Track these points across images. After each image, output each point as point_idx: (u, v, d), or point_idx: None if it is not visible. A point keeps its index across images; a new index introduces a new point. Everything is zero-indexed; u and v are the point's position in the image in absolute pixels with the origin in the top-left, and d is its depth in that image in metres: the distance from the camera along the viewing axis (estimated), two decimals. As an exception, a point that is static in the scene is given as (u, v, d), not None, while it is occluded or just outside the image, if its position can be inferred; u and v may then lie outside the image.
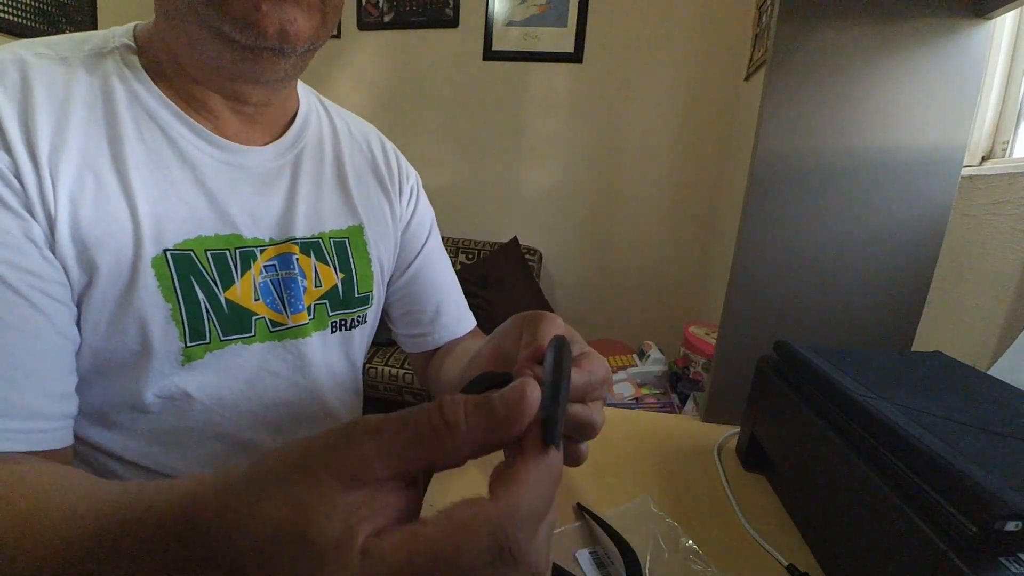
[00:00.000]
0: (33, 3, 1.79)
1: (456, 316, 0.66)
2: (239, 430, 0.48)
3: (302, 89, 0.55)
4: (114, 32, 0.45)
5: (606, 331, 2.30)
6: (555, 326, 0.33)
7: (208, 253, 0.44)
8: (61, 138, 0.38)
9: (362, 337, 0.58)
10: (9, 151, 0.36)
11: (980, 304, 0.67)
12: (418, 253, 0.63)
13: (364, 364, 1.80)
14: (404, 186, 0.62)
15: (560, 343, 0.27)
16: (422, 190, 0.65)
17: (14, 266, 0.35)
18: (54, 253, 0.38)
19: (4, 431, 0.34)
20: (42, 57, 0.40)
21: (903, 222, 0.64)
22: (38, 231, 0.37)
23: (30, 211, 0.37)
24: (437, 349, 0.66)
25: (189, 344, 0.44)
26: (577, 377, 0.31)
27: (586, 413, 0.32)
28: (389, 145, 0.63)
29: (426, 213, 0.65)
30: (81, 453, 0.44)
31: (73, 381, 0.40)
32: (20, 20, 1.76)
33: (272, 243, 0.49)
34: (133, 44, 0.44)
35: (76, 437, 0.43)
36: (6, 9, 1.72)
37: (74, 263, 0.39)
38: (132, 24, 0.46)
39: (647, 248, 2.27)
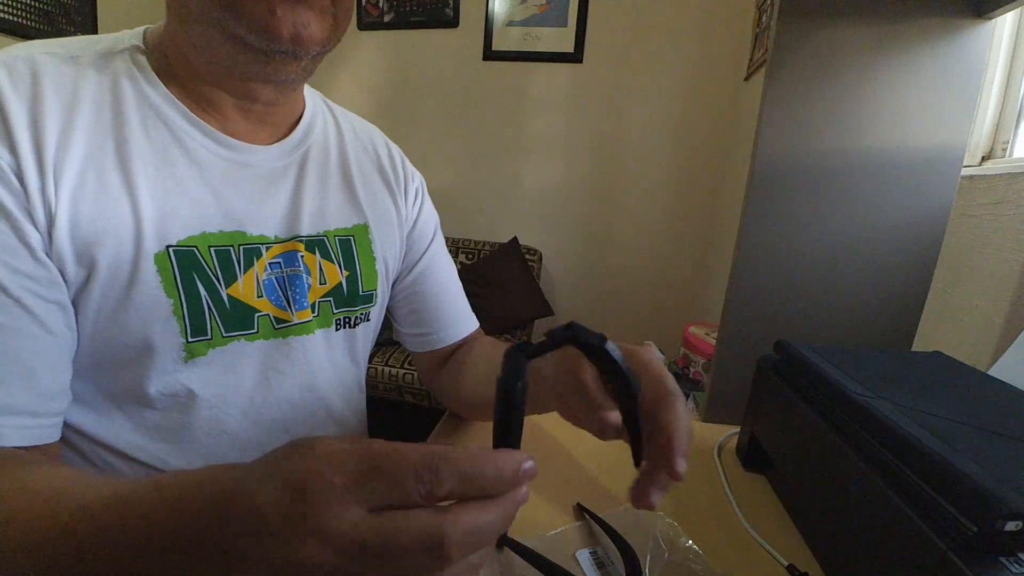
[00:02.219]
0: (33, 3, 1.79)
1: (459, 316, 0.66)
2: (243, 427, 0.49)
3: (308, 92, 0.56)
4: (125, 34, 0.46)
5: (606, 331, 2.27)
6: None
7: (212, 249, 0.45)
8: (67, 137, 0.39)
9: (366, 335, 0.59)
10: (13, 149, 0.37)
11: (980, 304, 0.67)
12: (423, 254, 0.64)
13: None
14: (409, 187, 0.62)
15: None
16: (427, 192, 0.66)
17: (7, 268, 0.36)
18: (51, 250, 0.38)
19: None
20: (53, 56, 0.41)
21: (903, 222, 0.64)
22: (33, 233, 0.37)
23: (28, 211, 0.37)
24: (449, 355, 0.66)
25: (191, 340, 0.44)
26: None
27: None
28: (394, 147, 0.63)
29: (431, 215, 0.66)
30: (81, 448, 0.44)
31: (65, 379, 0.41)
32: (20, 20, 1.76)
33: (278, 240, 0.49)
34: (143, 45, 0.45)
35: (77, 431, 0.44)
36: (6, 9, 1.72)
37: (72, 260, 0.39)
38: (143, 27, 0.47)
39: (647, 248, 2.27)
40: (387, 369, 1.81)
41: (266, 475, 0.23)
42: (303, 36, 0.40)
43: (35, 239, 0.37)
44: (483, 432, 0.66)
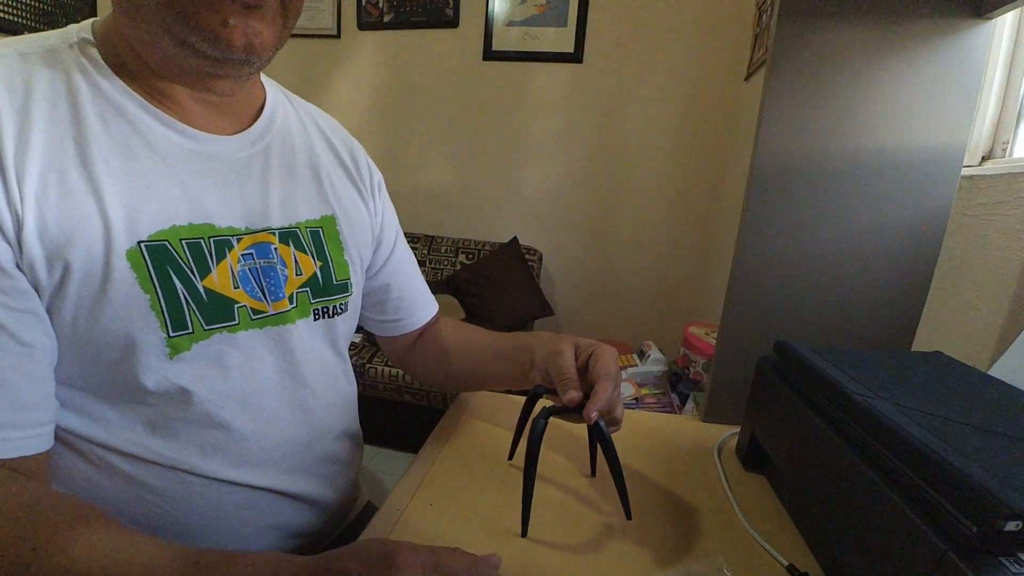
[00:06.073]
0: (33, 3, 1.79)
1: (426, 301, 0.72)
2: (236, 419, 0.48)
3: (268, 83, 0.56)
4: (71, 28, 0.45)
5: (606, 331, 2.30)
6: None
7: (183, 243, 0.44)
8: (24, 139, 0.38)
9: (345, 326, 0.59)
10: None
11: (980, 304, 0.67)
12: (392, 248, 0.67)
13: (364, 364, 1.81)
14: (373, 183, 0.64)
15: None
16: (384, 187, 0.68)
17: None
18: (21, 258, 0.38)
19: None
20: (1, 56, 0.40)
21: (903, 222, 0.64)
22: (1, 244, 0.37)
23: None
24: (417, 336, 0.72)
25: (172, 335, 0.43)
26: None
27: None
28: (355, 143, 0.64)
29: (392, 209, 0.69)
30: (78, 448, 0.44)
31: (46, 389, 0.40)
32: (20, 20, 1.77)
33: (248, 232, 0.49)
34: (92, 38, 0.44)
35: (74, 434, 0.44)
36: (6, 9, 1.72)
37: (43, 265, 0.38)
38: (90, 20, 0.46)
39: (647, 248, 2.27)
40: (387, 369, 1.81)
41: (351, 554, 0.34)
42: (255, 44, 0.41)
43: (3, 250, 0.37)
44: (472, 437, 0.66)
